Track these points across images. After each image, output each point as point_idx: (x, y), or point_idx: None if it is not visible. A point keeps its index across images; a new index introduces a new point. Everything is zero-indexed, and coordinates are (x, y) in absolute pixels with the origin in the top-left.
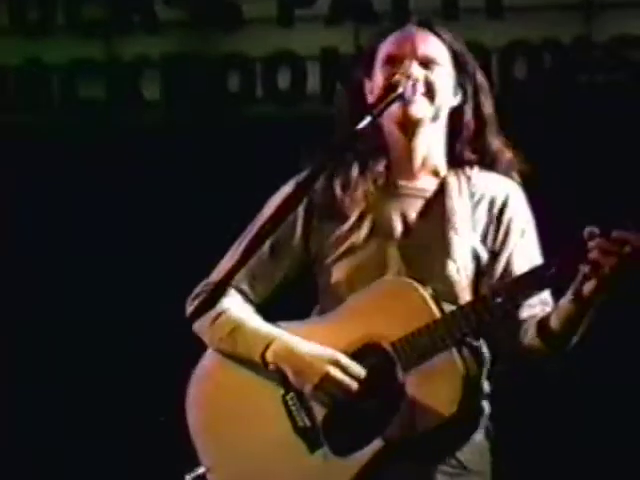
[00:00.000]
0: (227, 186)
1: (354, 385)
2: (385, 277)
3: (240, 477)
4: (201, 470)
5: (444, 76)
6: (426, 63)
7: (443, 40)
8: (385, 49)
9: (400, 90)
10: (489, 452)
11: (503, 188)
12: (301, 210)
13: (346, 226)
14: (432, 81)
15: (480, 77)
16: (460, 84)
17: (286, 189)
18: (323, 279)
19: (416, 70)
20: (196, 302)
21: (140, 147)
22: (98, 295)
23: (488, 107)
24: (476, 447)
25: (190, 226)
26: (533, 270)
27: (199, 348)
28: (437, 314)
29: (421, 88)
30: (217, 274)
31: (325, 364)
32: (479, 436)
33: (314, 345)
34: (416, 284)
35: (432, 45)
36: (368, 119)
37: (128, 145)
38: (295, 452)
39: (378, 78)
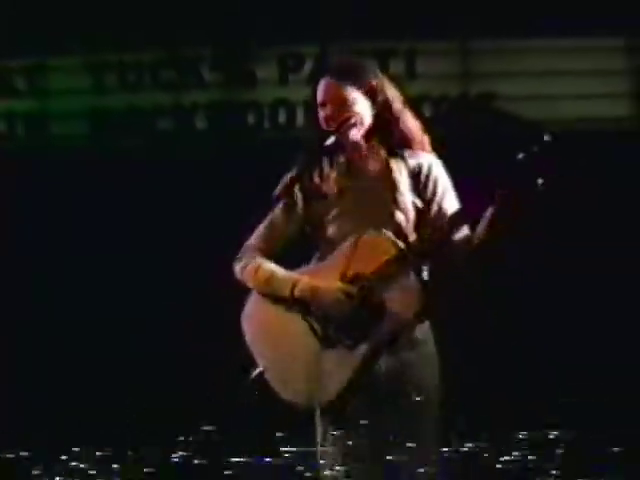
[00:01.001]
0: (241, 185)
1: (354, 303)
2: (365, 232)
3: (285, 372)
4: (259, 369)
5: (358, 105)
6: (341, 103)
7: (352, 82)
8: (317, 96)
9: (352, 120)
10: (430, 329)
11: (427, 160)
12: (299, 192)
13: (330, 201)
14: (350, 113)
15: (388, 91)
16: (373, 101)
17: (286, 179)
18: (322, 236)
19: (335, 113)
20: (239, 265)
21: (191, 161)
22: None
23: (398, 106)
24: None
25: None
26: (462, 209)
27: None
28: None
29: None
30: (250, 240)
31: (334, 292)
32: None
33: (324, 281)
34: (386, 233)
35: (343, 89)
36: (333, 138)
37: (183, 161)
38: (318, 351)
39: (319, 115)
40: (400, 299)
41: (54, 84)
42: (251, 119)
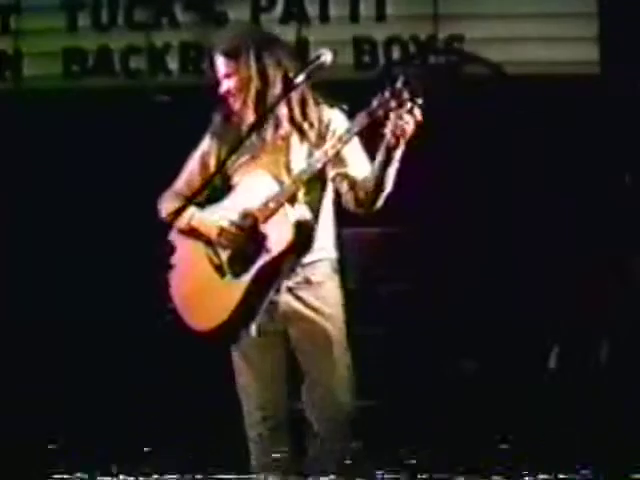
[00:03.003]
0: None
1: (237, 232)
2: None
3: (188, 300)
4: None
5: (240, 75)
6: (227, 75)
7: (235, 57)
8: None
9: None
10: (333, 272)
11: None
12: (215, 144)
13: (238, 152)
14: (230, 86)
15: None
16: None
17: (206, 141)
18: (229, 184)
19: (224, 85)
20: (166, 204)
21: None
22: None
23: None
24: (318, 267)
25: None
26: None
27: None
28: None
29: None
30: (167, 192)
31: (220, 219)
32: (324, 262)
33: (211, 212)
34: (269, 175)
35: (226, 65)
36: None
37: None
38: (214, 280)
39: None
40: (277, 231)
41: (27, 24)
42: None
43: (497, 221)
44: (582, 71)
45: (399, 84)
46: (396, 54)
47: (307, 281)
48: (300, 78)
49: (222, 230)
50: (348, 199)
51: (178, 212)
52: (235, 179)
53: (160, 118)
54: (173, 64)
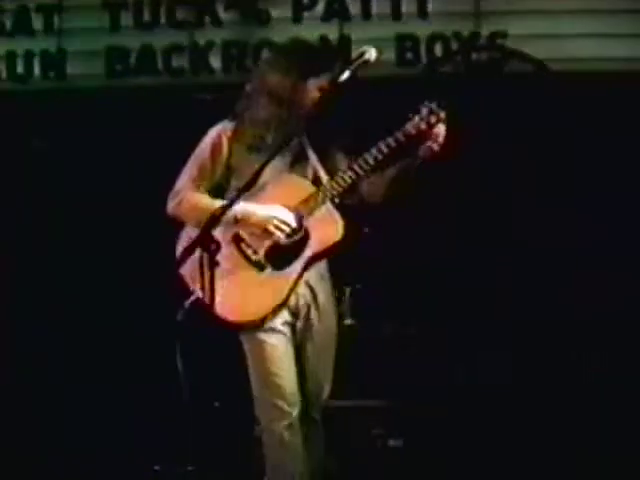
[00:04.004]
0: None
1: (290, 222)
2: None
3: (224, 293)
4: (194, 296)
5: None
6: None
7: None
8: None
9: None
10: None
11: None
12: (226, 141)
13: (256, 153)
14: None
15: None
16: None
17: (219, 127)
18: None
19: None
20: (175, 201)
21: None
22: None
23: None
24: (322, 262)
25: None
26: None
27: None
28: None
29: None
30: (181, 182)
31: (272, 212)
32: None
33: (260, 205)
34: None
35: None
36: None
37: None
38: (252, 274)
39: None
40: (322, 228)
41: (71, 23)
42: (264, 56)
43: (546, 220)
44: (632, 68)
45: (430, 108)
46: (438, 51)
47: (320, 276)
48: (344, 76)
49: (275, 220)
50: (370, 195)
51: (229, 206)
52: (261, 180)
53: (203, 117)
54: (216, 62)
